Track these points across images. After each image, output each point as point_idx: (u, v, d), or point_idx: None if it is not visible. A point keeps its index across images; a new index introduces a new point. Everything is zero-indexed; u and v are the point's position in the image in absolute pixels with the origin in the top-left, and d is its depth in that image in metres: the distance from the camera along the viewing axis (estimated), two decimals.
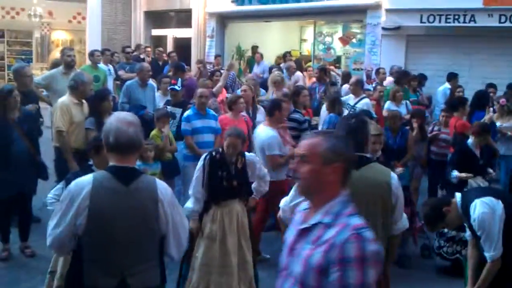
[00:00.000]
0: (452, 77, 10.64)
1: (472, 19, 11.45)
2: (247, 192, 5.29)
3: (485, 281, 3.89)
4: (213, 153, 5.06)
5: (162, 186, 2.94)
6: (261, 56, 14.25)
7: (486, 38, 11.69)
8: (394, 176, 3.53)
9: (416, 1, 11.88)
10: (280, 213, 3.64)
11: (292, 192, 3.51)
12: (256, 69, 13.79)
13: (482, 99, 8.72)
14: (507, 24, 11.16)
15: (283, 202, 3.62)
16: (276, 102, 6.80)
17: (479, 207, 3.79)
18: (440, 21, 11.79)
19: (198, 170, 5.00)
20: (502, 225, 3.74)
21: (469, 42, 11.95)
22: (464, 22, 11.54)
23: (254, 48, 15.17)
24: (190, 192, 5.01)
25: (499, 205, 3.79)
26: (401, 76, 10.28)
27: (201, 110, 7.19)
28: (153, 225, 2.84)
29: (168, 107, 8.00)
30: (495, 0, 11.17)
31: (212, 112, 7.40)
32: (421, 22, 11.99)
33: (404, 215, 3.62)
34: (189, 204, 5.00)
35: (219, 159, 5.01)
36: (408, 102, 9.57)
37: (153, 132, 6.98)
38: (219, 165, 4.99)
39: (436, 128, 7.80)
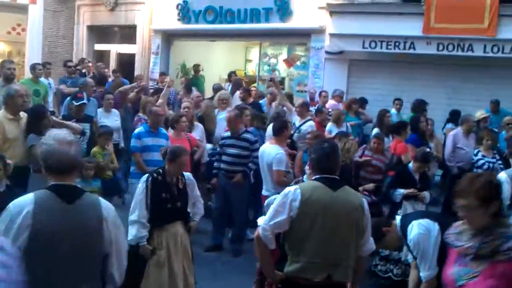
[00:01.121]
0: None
1: (412, 46, 11.87)
2: (188, 213, 5.21)
3: None
4: (155, 175, 4.95)
5: (105, 204, 2.88)
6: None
7: (425, 65, 12.15)
8: (364, 199, 3.72)
9: (358, 27, 12.19)
10: (259, 231, 3.58)
11: (271, 211, 3.55)
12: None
13: (416, 123, 8.98)
14: (445, 52, 11.63)
15: (262, 220, 3.62)
16: (284, 121, 7.09)
17: (415, 228, 3.93)
18: (381, 47, 12.14)
19: (140, 193, 4.85)
20: (437, 247, 3.85)
21: (409, 68, 12.38)
22: (404, 48, 11.94)
23: (196, 67, 15.12)
24: (133, 218, 4.83)
25: (435, 227, 3.91)
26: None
27: (154, 128, 7.09)
28: (97, 244, 2.77)
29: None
30: (433, 29, 11.62)
31: (163, 131, 7.30)
32: (363, 47, 12.31)
33: (371, 238, 3.74)
34: (134, 231, 4.80)
35: (161, 181, 4.90)
36: (348, 124, 9.74)
37: (95, 149, 6.81)
38: (162, 186, 4.88)
39: (367, 152, 7.69)
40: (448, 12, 11.51)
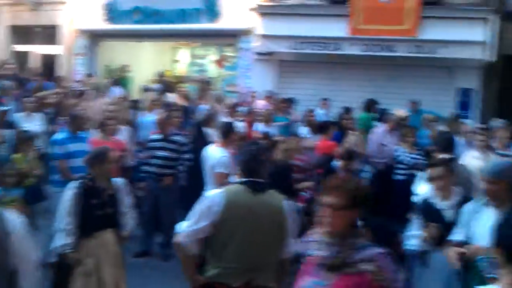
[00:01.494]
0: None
1: (339, 47, 12.10)
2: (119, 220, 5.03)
3: None
4: (83, 180, 4.76)
5: (12, 218, 2.74)
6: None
7: (352, 65, 12.44)
8: (286, 201, 3.67)
9: (287, 28, 12.29)
10: (180, 238, 3.50)
11: (194, 216, 3.48)
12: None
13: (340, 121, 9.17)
14: (370, 52, 11.94)
15: (183, 227, 3.53)
16: (230, 125, 6.93)
17: None
18: (309, 48, 12.30)
19: (67, 200, 4.64)
20: None
21: (337, 68, 12.63)
22: (332, 49, 12.15)
23: (123, 67, 14.78)
24: (60, 226, 4.63)
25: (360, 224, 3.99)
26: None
27: (75, 133, 6.81)
28: (3, 259, 2.63)
29: None
30: (359, 30, 11.91)
31: (86, 135, 7.03)
32: (292, 48, 12.44)
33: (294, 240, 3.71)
34: (60, 239, 4.60)
35: (91, 186, 4.72)
36: (278, 124, 9.80)
37: (16, 156, 6.47)
38: (91, 192, 4.70)
39: None
40: (373, 14, 11.83)
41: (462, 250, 3.74)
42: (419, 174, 5.82)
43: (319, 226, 2.74)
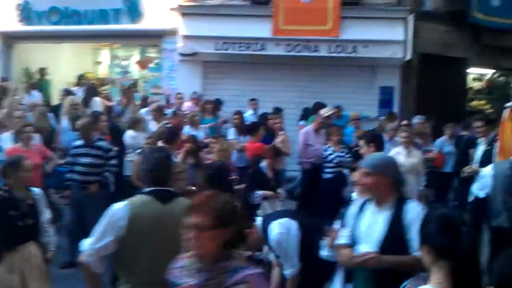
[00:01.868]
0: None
1: (263, 47, 12.18)
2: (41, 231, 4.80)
3: None
4: None
5: None
6: None
7: (277, 65, 12.55)
8: None
9: (210, 28, 12.21)
10: (83, 257, 3.21)
11: (97, 232, 3.21)
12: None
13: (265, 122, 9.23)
14: (293, 53, 12.10)
15: (86, 244, 3.24)
16: (175, 129, 6.94)
17: (275, 229, 4.00)
18: (233, 49, 12.30)
19: None
20: (298, 244, 3.99)
21: (262, 69, 12.69)
22: (256, 50, 12.20)
23: (41, 71, 14.20)
24: None
25: (294, 225, 4.04)
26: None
27: None
28: None
29: None
30: (282, 31, 12.03)
31: None
32: (216, 49, 12.38)
33: None
34: None
35: (8, 198, 4.47)
36: (205, 126, 9.75)
37: None
38: (9, 204, 4.46)
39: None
40: (295, 15, 12.01)
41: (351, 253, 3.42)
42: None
43: (187, 250, 2.50)
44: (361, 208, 3.49)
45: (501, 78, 15.40)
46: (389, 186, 3.37)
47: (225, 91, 12.36)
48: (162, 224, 3.18)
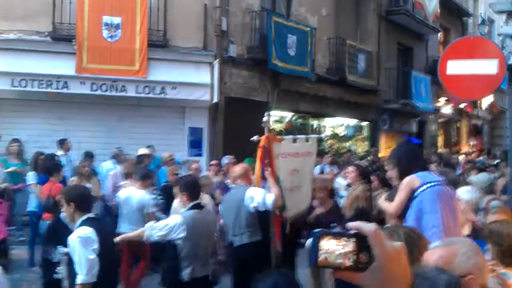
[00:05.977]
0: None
1: (66, 85, 11.52)
2: None
3: None
4: None
5: None
6: None
7: (82, 104, 12.00)
8: None
9: (7, 64, 11.26)
10: None
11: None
12: None
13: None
14: (99, 92, 11.67)
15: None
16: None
17: None
18: (32, 86, 11.44)
19: None
20: None
21: (64, 107, 12.01)
22: (58, 88, 11.50)
23: None
24: None
25: None
26: None
27: None
28: None
29: None
30: (86, 69, 11.54)
31: None
32: (13, 86, 11.39)
33: None
34: None
35: None
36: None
37: None
38: None
39: None
40: (100, 53, 11.63)
41: None
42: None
43: None
44: None
45: (299, 120, 16.66)
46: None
47: (24, 130, 11.39)
48: None
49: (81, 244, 4.22)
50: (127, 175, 8.50)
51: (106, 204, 9.21)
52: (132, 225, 6.95)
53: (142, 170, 8.05)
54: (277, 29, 13.45)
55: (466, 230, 4.73)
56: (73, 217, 4.53)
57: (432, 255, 2.11)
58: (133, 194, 7.36)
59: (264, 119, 6.15)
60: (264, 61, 13.43)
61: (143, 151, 10.13)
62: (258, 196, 5.63)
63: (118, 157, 10.10)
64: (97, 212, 8.71)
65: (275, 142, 6.12)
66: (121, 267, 7.26)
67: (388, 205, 4.57)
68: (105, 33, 11.62)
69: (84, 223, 4.41)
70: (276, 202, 5.62)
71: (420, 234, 2.77)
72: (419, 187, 4.24)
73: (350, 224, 1.25)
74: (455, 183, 6.01)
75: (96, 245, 4.28)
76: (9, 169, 9.29)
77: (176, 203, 6.63)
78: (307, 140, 6.80)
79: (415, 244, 2.46)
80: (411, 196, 4.26)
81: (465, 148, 26.73)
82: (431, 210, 4.15)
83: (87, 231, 4.31)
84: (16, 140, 10.14)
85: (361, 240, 1.21)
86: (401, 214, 4.33)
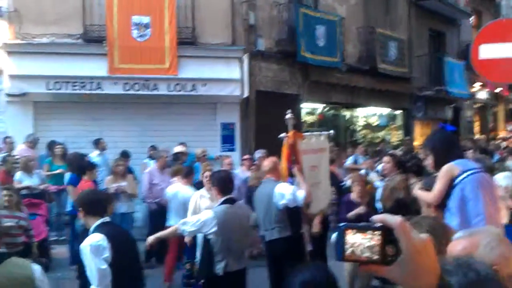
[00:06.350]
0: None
1: (99, 86, 11.70)
2: None
3: None
4: None
5: None
6: None
7: (115, 104, 12.16)
8: (35, 267, 3.36)
9: (41, 67, 11.46)
10: None
11: None
12: None
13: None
14: (131, 91, 11.80)
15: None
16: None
17: None
18: (67, 88, 11.65)
19: None
20: None
21: (98, 108, 12.18)
22: (91, 89, 11.69)
23: None
24: None
25: None
26: None
27: None
28: None
29: None
30: (118, 69, 11.69)
31: None
32: (48, 88, 11.61)
33: None
34: None
35: None
36: (41, 171, 9.06)
37: None
38: None
39: None
40: (131, 53, 11.77)
41: None
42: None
43: None
44: None
45: (331, 111, 16.57)
46: None
47: (60, 132, 11.60)
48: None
49: (92, 253, 3.99)
50: (174, 173, 8.49)
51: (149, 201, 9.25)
52: (180, 218, 7.03)
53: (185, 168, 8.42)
54: (305, 21, 13.39)
55: (504, 217, 4.62)
56: (87, 222, 4.34)
57: (456, 246, 2.06)
58: (179, 189, 7.78)
59: (287, 116, 6.15)
60: (293, 54, 13.38)
61: (179, 148, 10.21)
62: (288, 193, 5.65)
63: (155, 155, 10.15)
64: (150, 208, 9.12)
65: (299, 139, 6.15)
66: (166, 260, 7.85)
67: (426, 194, 4.46)
68: (134, 32, 11.75)
69: (96, 229, 4.19)
70: (307, 198, 5.64)
71: (444, 225, 2.71)
72: (459, 175, 4.15)
73: (375, 217, 1.24)
74: (491, 170, 5.87)
75: (107, 253, 4.02)
76: (56, 171, 9.52)
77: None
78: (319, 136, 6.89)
79: (439, 235, 2.41)
80: (450, 185, 4.17)
81: (502, 133, 26.17)
82: (474, 198, 4.07)
83: (98, 238, 4.07)
84: (59, 143, 10.37)
85: (387, 233, 1.20)
86: (440, 203, 4.24)
